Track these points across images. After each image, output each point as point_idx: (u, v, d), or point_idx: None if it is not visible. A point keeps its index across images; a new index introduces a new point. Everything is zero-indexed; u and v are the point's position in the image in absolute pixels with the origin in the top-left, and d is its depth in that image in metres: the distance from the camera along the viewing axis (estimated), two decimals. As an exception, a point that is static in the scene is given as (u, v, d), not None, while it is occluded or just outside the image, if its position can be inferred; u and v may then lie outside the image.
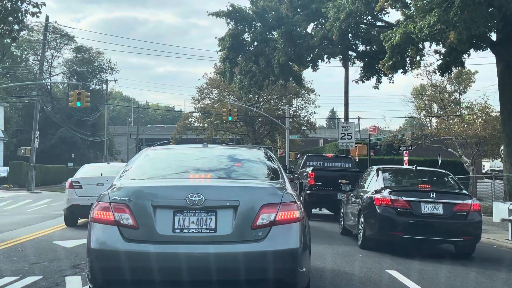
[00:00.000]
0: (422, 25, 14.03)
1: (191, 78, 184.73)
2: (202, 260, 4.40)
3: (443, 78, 35.68)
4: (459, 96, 37.69)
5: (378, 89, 22.10)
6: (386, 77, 21.34)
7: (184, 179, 5.13)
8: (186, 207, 4.51)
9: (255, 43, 22.24)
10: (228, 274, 4.45)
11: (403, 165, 25.98)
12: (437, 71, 17.34)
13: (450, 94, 37.29)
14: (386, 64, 15.75)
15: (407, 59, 16.21)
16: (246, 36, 22.58)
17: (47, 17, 36.87)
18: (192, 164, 5.54)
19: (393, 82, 21.69)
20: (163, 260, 4.39)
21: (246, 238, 4.48)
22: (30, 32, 61.70)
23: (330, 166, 17.43)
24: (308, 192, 15.71)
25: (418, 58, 16.52)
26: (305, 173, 16.32)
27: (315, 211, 17.39)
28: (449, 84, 36.39)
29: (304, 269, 4.69)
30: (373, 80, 22.51)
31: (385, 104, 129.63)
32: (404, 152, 30.05)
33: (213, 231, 4.50)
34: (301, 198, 15.55)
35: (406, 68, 17.91)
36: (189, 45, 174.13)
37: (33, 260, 8.23)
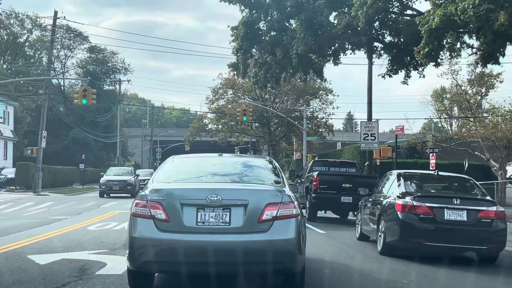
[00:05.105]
0: (466, 6, 12.05)
1: (209, 82, 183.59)
2: (219, 246, 5.42)
3: (469, 77, 34.02)
4: (480, 98, 36.15)
5: (407, 84, 20.10)
6: (416, 71, 19.33)
7: (205, 182, 6.20)
8: (207, 205, 5.54)
9: (272, 32, 20.32)
10: (239, 257, 5.40)
11: (429, 168, 24.42)
12: (479, 61, 15.24)
13: (475, 94, 35.60)
14: (422, 51, 13.71)
15: (446, 46, 14.17)
16: (262, 25, 20.59)
17: (55, 12, 35.62)
18: (211, 170, 6.59)
19: (423, 76, 19.73)
20: (188, 246, 5.43)
21: (254, 229, 5.51)
22: (43, 32, 60.90)
23: (335, 171, 18.05)
24: (313, 195, 16.13)
25: (458, 45, 14.48)
26: (311, 177, 16.76)
27: (320, 213, 17.77)
28: (470, 86, 34.82)
29: (300, 255, 5.66)
30: (401, 74, 20.49)
31: (402, 107, 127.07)
32: (431, 155, 28.21)
33: (227, 224, 5.53)
34: (307, 201, 16.56)
35: (443, 58, 15.90)
36: (207, 48, 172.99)
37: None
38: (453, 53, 15.05)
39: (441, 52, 15.41)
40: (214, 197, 5.50)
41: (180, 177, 6.33)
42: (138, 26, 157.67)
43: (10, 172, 39.76)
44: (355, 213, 16.41)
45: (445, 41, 13.93)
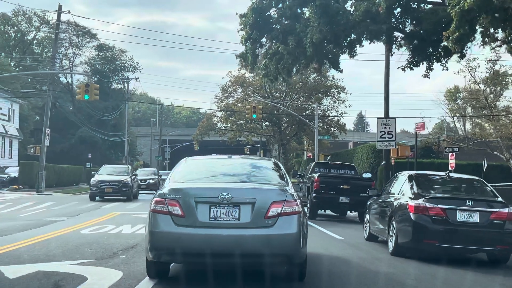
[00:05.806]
0: (504, -17, 10.63)
1: (219, 81, 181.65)
2: (229, 240, 6.15)
3: (488, 74, 32.70)
4: (494, 97, 35.02)
5: (429, 77, 18.71)
6: (439, 63, 17.89)
7: (216, 182, 6.89)
8: (219, 203, 6.24)
9: (284, 21, 18.88)
10: (247, 249, 6.12)
11: (446, 168, 23.27)
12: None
13: (491, 93, 34.40)
14: (451, 36, 12.30)
15: (479, 30, 12.75)
16: (273, 12, 19.17)
17: (59, 6, 34.48)
18: (221, 171, 7.29)
19: (447, 69, 18.32)
20: (202, 239, 6.13)
21: (261, 225, 6.20)
22: (51, 29, 60.06)
23: (335, 173, 19.03)
24: (314, 195, 17.26)
25: (492, 30, 13.03)
26: (312, 178, 17.81)
27: (320, 212, 18.75)
28: (486, 86, 33.58)
29: (302, 248, 6.40)
30: (422, 67, 19.03)
31: (414, 106, 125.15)
32: (450, 154, 26.96)
33: (237, 220, 6.23)
34: (308, 200, 17.59)
35: (475, 44, 14.50)
36: (218, 45, 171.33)
37: None
38: (486, 39, 13.60)
39: (470, 40, 13.95)
40: (225, 195, 6.14)
41: (194, 177, 7.01)
42: (148, 26, 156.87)
43: (14, 171, 38.78)
44: (353, 211, 18.26)
45: (477, 26, 12.52)
